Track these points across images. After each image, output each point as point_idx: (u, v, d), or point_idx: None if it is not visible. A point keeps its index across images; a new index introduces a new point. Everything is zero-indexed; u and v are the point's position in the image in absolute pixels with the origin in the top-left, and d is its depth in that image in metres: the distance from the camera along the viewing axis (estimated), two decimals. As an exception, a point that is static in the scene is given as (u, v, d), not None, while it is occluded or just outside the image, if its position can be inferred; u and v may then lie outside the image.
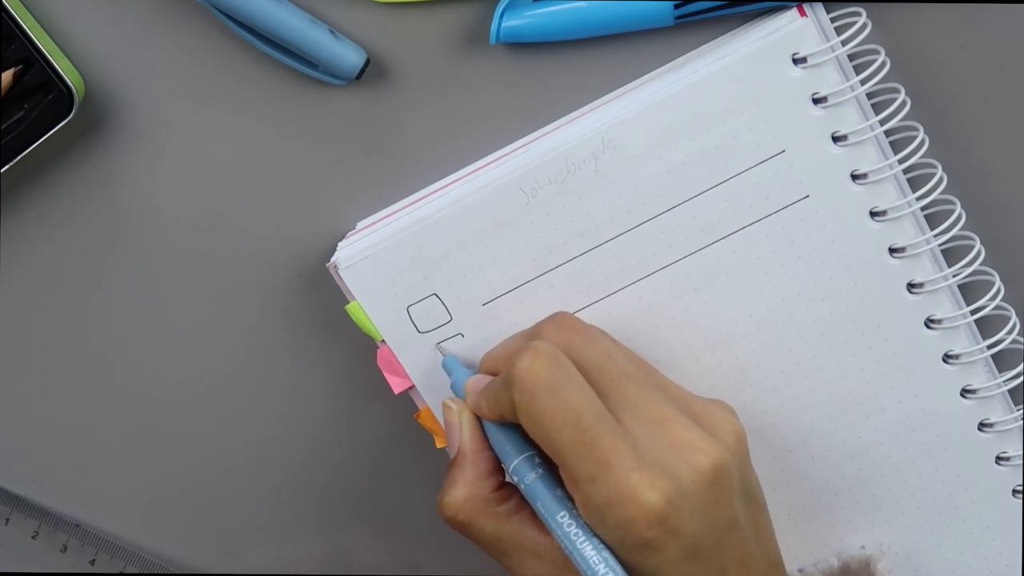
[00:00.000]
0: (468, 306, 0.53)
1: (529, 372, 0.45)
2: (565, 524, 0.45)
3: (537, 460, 0.48)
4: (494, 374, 0.50)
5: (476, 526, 0.48)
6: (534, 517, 0.48)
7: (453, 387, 0.52)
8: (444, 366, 0.53)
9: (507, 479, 0.49)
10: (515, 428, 0.49)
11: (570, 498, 0.46)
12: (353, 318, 0.53)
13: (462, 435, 0.49)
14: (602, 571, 0.44)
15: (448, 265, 0.53)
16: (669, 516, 0.43)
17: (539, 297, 0.53)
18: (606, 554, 0.44)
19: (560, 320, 0.49)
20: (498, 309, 0.53)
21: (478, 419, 0.50)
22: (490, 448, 0.49)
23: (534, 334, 0.49)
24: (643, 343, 0.53)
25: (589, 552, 0.44)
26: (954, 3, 0.52)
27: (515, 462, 0.48)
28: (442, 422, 0.54)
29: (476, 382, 0.50)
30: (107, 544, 0.61)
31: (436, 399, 0.54)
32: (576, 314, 0.53)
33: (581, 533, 0.45)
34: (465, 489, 0.48)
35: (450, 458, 0.50)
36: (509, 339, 0.51)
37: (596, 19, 0.52)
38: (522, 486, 0.47)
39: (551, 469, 0.47)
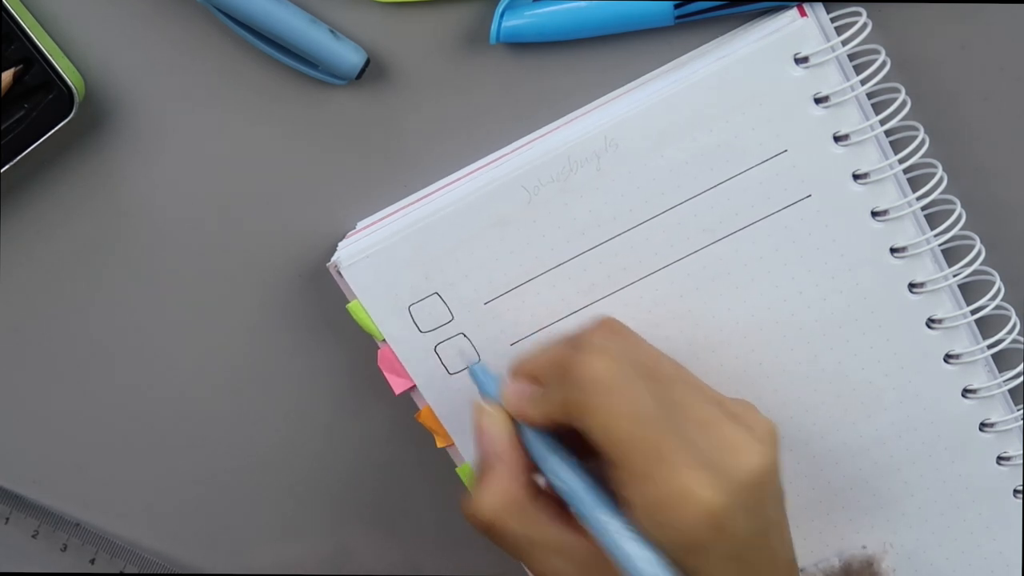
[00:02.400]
0: (470, 305, 0.53)
1: (593, 369, 0.45)
2: (606, 521, 0.45)
3: (575, 462, 0.48)
4: (532, 379, 0.49)
5: (504, 527, 0.48)
6: (561, 518, 0.48)
7: (484, 393, 0.51)
8: (472, 372, 0.52)
9: (538, 481, 0.49)
10: (551, 433, 0.49)
11: (611, 500, 0.46)
12: (354, 317, 0.53)
13: (498, 438, 0.49)
14: (644, 568, 0.44)
15: (449, 264, 0.53)
16: (724, 517, 0.43)
17: (541, 296, 0.53)
18: (647, 552, 0.44)
19: (608, 324, 0.49)
20: (500, 308, 0.53)
21: (514, 424, 0.50)
22: (523, 453, 0.49)
23: (581, 337, 0.49)
24: (644, 343, 0.53)
25: (632, 548, 0.44)
26: (954, 3, 0.52)
27: (554, 463, 0.48)
28: (443, 424, 0.54)
29: (518, 389, 0.49)
30: (107, 543, 0.61)
31: (437, 399, 0.54)
32: (577, 313, 0.53)
33: (624, 530, 0.45)
34: (498, 491, 0.48)
35: (477, 460, 0.50)
36: (549, 344, 0.50)
37: (596, 19, 0.52)
38: (563, 487, 0.47)
39: (589, 471, 0.47)
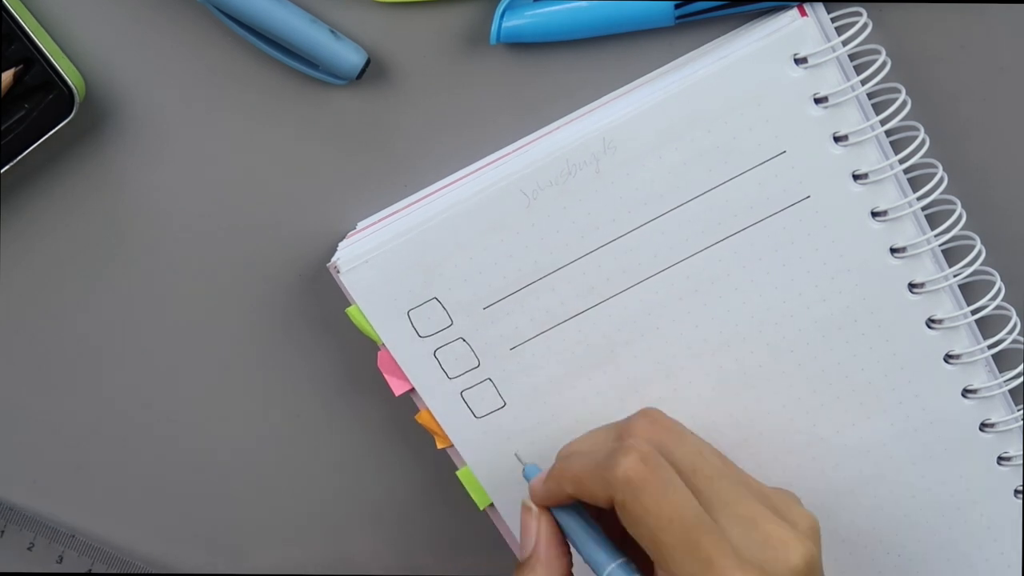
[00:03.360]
0: (469, 309, 0.53)
1: (634, 472, 0.46)
2: None
3: (632, 565, 0.48)
4: (575, 480, 0.49)
5: None
6: None
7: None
8: (524, 475, 0.52)
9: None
10: (602, 533, 0.49)
11: None
12: (353, 321, 0.53)
13: (539, 539, 0.50)
14: None
15: (448, 268, 0.53)
16: None
17: (540, 300, 0.53)
18: None
19: (650, 416, 0.49)
20: (499, 312, 0.53)
21: (558, 526, 0.50)
22: (564, 555, 0.49)
23: (624, 430, 0.49)
24: (644, 345, 0.53)
25: None
26: (954, 3, 0.51)
27: (611, 567, 0.48)
28: (443, 426, 0.54)
29: (543, 475, 0.50)
30: (103, 554, 0.61)
31: (436, 402, 0.54)
32: (577, 316, 0.53)
33: None
34: None
35: (520, 559, 0.50)
36: (593, 433, 0.51)
37: (596, 19, 0.51)
38: None
39: (633, 559, 0.48)
